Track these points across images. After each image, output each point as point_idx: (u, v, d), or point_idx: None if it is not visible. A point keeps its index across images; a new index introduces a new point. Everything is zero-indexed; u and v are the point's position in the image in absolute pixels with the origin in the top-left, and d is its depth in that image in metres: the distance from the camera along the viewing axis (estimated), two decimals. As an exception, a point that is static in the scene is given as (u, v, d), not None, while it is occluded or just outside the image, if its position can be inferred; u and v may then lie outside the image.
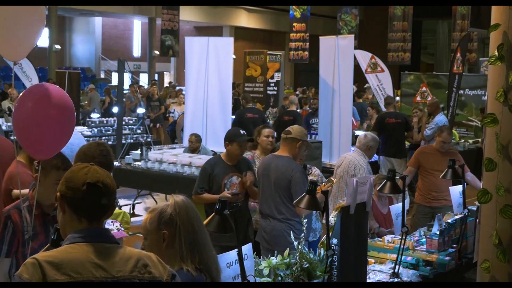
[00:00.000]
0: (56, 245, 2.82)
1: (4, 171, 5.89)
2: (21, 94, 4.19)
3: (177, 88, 23.13)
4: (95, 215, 2.50)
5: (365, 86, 21.13)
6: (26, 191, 5.46)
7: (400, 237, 5.06)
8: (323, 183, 6.05)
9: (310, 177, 6.17)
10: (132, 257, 2.47)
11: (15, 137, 4.19)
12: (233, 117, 13.04)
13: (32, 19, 4.27)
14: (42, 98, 3.96)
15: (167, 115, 18.53)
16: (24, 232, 3.95)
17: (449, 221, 5.70)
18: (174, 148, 11.89)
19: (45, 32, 29.12)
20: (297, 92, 24.54)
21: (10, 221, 3.94)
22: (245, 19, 35.95)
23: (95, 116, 16.67)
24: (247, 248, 3.98)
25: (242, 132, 6.41)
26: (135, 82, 22.44)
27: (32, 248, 3.95)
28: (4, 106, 14.06)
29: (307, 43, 28.46)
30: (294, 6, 28.43)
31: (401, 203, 5.16)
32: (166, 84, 36.55)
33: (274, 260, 4.36)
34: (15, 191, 5.53)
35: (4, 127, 12.17)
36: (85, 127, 14.84)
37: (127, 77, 16.40)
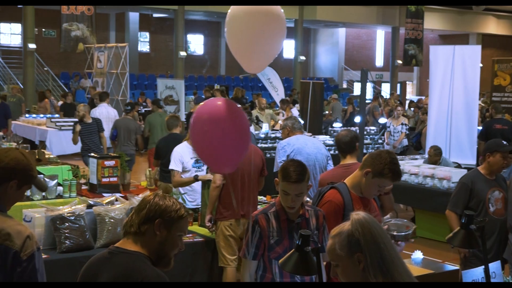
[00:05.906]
0: (301, 251, 2.88)
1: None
2: (196, 109, 4.37)
3: (417, 98, 22.65)
4: None
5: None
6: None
7: None
8: None
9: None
10: None
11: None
12: (479, 128, 12.51)
13: (274, 33, 4.41)
14: (215, 115, 4.09)
15: (382, 130, 18.19)
16: (270, 237, 4.12)
17: None
18: (416, 158, 11.68)
19: (291, 44, 30.24)
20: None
21: (257, 225, 4.13)
22: (493, 25, 34.41)
23: (337, 125, 16.93)
24: (495, 266, 3.78)
25: (504, 142, 6.12)
26: (377, 92, 22.44)
27: (277, 252, 4.10)
28: (252, 115, 14.84)
29: None
30: (548, 10, 26.67)
31: None
32: (408, 94, 36.17)
33: (525, 281, 4.08)
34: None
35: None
36: (327, 136, 15.12)
37: (369, 87, 16.50)
